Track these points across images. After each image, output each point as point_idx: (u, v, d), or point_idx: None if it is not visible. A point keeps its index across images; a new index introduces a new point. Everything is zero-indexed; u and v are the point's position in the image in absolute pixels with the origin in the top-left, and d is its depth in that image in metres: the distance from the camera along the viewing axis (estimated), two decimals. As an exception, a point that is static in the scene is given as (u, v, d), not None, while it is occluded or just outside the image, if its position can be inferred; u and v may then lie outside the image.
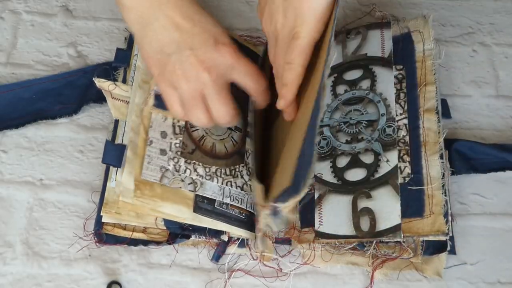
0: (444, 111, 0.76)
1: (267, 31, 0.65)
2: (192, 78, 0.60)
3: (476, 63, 0.85)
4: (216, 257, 0.71)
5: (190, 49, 0.60)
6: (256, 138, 0.73)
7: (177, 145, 0.70)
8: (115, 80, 0.78)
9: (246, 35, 0.85)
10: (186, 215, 0.68)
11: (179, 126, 0.71)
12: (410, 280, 0.71)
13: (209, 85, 0.61)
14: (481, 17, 0.89)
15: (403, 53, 0.77)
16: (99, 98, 0.78)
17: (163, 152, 0.69)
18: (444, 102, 0.78)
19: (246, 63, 0.63)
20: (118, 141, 0.71)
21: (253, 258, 0.71)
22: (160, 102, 0.68)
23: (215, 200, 0.69)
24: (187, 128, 0.71)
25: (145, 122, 0.69)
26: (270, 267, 0.71)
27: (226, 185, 0.71)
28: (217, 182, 0.70)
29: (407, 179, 0.69)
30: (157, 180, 0.67)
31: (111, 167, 0.71)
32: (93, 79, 0.72)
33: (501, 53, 0.86)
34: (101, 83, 0.72)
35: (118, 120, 0.74)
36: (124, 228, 0.70)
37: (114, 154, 0.68)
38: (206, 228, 0.69)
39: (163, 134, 0.69)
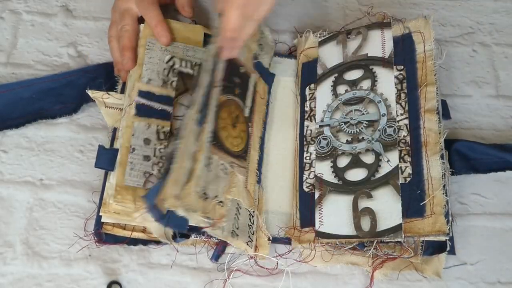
0: (444, 111, 0.76)
1: None
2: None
3: (476, 63, 0.85)
4: (216, 257, 0.71)
5: None
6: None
7: (162, 150, 0.70)
8: (116, 83, 0.79)
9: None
10: None
11: (163, 132, 0.71)
12: (410, 280, 0.71)
13: (119, 10, 0.78)
14: (481, 17, 0.89)
15: (403, 53, 0.77)
16: (99, 98, 0.78)
17: (146, 158, 0.69)
18: (444, 103, 0.78)
19: None
20: (116, 145, 0.72)
21: (250, 257, 0.71)
22: (141, 111, 0.71)
23: None
24: (173, 134, 0.71)
25: (128, 130, 0.70)
26: (262, 266, 0.71)
27: None
28: None
29: (408, 179, 0.69)
30: (140, 185, 0.68)
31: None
32: (86, 91, 0.74)
33: (501, 53, 0.86)
34: (95, 94, 0.74)
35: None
36: (124, 227, 0.70)
37: (106, 158, 0.69)
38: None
39: (147, 141, 0.70)
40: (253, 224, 0.71)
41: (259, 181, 0.75)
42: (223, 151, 0.70)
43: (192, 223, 0.64)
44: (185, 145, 0.63)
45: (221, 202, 0.67)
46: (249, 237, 0.70)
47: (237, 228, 0.69)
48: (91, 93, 0.74)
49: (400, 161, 0.70)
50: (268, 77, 0.81)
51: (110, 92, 0.74)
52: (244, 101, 0.76)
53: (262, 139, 0.77)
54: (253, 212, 0.72)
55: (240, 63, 0.76)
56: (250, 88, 0.77)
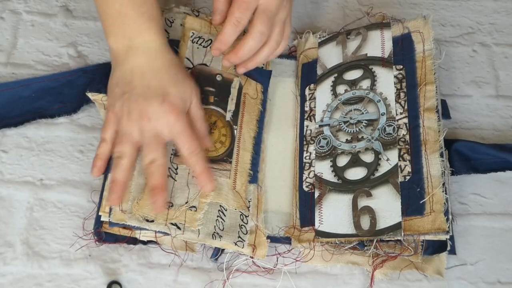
0: (444, 111, 0.76)
1: None
2: (133, 120, 0.67)
3: (476, 63, 0.85)
4: (215, 255, 0.71)
5: (141, 96, 0.67)
6: None
7: None
8: None
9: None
10: None
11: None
12: (410, 280, 0.71)
13: (145, 134, 0.67)
14: (481, 17, 0.89)
15: (403, 53, 0.77)
16: (99, 98, 0.78)
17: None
18: (443, 103, 0.78)
19: (183, 127, 0.67)
20: None
21: (250, 257, 0.71)
22: None
23: None
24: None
25: None
26: (260, 266, 0.71)
27: None
28: None
29: (407, 177, 0.69)
30: None
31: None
32: (86, 93, 0.75)
33: (501, 53, 0.86)
34: (94, 97, 0.75)
35: None
36: (123, 226, 0.70)
37: None
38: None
39: None
40: (246, 224, 0.71)
41: (253, 181, 0.75)
42: None
43: (154, 230, 0.67)
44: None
45: (193, 207, 0.69)
46: (239, 237, 0.70)
47: (222, 230, 0.69)
48: (91, 95, 0.75)
49: (399, 160, 0.70)
50: (262, 76, 0.81)
51: None
52: (223, 107, 0.76)
53: (256, 138, 0.77)
54: (246, 212, 0.72)
55: (215, 73, 0.78)
56: (232, 93, 0.77)
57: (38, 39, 0.85)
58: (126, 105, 0.67)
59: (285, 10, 0.72)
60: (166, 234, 0.68)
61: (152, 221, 0.67)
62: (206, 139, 0.72)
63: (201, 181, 0.69)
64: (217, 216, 0.70)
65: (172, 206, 0.68)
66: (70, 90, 0.79)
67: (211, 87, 0.76)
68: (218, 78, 0.77)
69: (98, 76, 0.78)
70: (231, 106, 0.77)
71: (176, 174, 0.70)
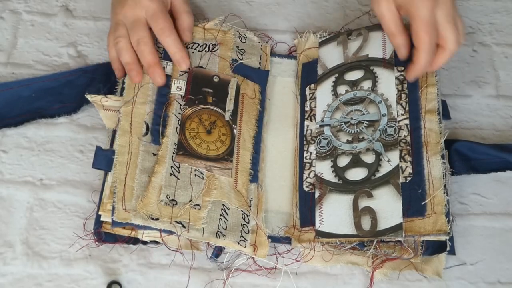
0: (444, 112, 0.76)
1: None
2: (119, 12, 0.75)
3: (476, 63, 0.85)
4: (215, 255, 0.71)
5: None
6: None
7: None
8: (115, 83, 0.78)
9: (247, 35, 0.85)
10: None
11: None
12: (410, 280, 0.71)
13: (128, 20, 0.75)
14: (481, 17, 0.89)
15: (404, 54, 0.77)
16: (99, 98, 0.78)
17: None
18: (443, 103, 0.78)
19: (156, 8, 0.74)
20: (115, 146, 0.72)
21: (250, 257, 0.71)
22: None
23: None
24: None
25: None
26: (261, 266, 0.71)
27: None
28: None
29: (408, 178, 0.69)
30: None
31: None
32: (85, 95, 0.75)
33: (501, 53, 0.86)
34: (93, 98, 0.75)
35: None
36: (123, 227, 0.70)
37: (104, 159, 0.70)
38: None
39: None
40: (248, 223, 0.71)
41: (254, 180, 0.75)
42: (195, 158, 0.73)
43: (159, 228, 0.67)
44: (129, 165, 0.70)
45: (197, 205, 0.69)
46: (241, 236, 0.70)
47: (225, 229, 0.69)
48: (90, 97, 0.75)
49: (400, 161, 0.70)
50: (259, 76, 0.81)
51: (108, 96, 0.75)
52: (222, 107, 0.77)
53: (256, 138, 0.78)
54: (247, 211, 0.72)
55: (212, 74, 0.78)
56: (230, 93, 0.78)
57: (38, 39, 0.84)
58: (119, 6, 0.75)
59: (443, 7, 0.69)
60: (171, 233, 0.67)
61: (157, 219, 0.66)
62: (187, 32, 0.78)
63: (176, 59, 0.76)
64: (220, 215, 0.70)
65: (176, 204, 0.68)
66: (70, 90, 0.79)
67: (209, 88, 0.77)
68: (215, 79, 0.78)
69: (98, 76, 0.79)
70: (229, 106, 0.77)
71: (179, 172, 0.70)
